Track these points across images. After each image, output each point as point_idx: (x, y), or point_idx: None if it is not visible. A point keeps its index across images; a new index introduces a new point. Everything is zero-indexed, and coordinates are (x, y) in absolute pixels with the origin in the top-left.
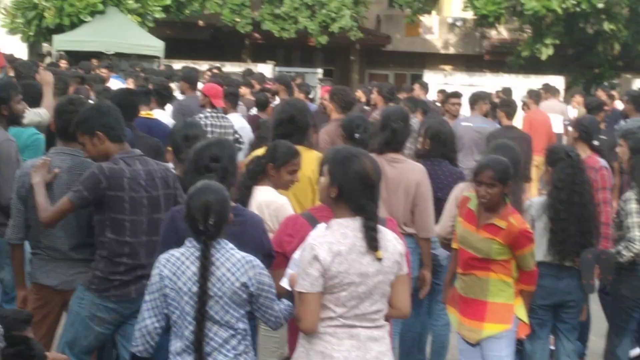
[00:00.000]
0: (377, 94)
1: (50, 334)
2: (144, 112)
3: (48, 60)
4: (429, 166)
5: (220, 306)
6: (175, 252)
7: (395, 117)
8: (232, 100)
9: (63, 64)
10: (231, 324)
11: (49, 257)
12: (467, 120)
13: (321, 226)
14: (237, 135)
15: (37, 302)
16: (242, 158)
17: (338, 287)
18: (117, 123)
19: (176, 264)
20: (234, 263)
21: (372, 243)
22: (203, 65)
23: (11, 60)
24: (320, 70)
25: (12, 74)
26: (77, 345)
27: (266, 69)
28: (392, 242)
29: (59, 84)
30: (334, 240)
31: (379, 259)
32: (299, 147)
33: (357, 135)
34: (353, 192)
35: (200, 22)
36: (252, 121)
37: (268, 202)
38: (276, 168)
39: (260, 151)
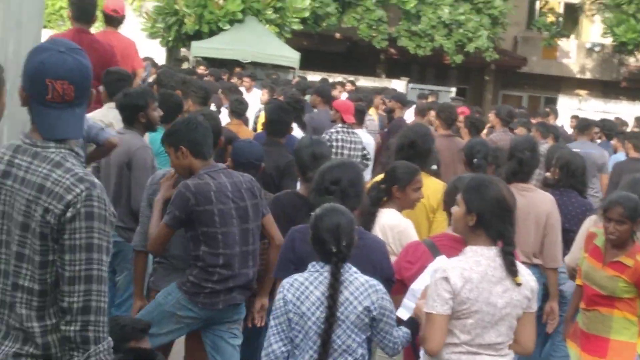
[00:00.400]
0: (494, 116)
1: (168, 344)
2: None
3: (185, 65)
4: (558, 196)
5: (343, 330)
6: (299, 277)
7: (522, 147)
8: (359, 116)
9: (201, 69)
10: (352, 349)
11: (172, 267)
12: (576, 146)
13: (441, 258)
14: (365, 152)
15: None
16: (369, 175)
17: (465, 314)
18: (203, 139)
19: (300, 289)
20: (358, 287)
21: (512, 268)
22: (337, 78)
23: (153, 65)
24: (453, 89)
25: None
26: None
27: (400, 85)
28: (524, 276)
29: (200, 92)
30: (467, 266)
31: (518, 284)
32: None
33: (475, 160)
34: (492, 219)
35: (337, 35)
36: (384, 138)
37: (392, 225)
38: (401, 189)
39: (379, 177)
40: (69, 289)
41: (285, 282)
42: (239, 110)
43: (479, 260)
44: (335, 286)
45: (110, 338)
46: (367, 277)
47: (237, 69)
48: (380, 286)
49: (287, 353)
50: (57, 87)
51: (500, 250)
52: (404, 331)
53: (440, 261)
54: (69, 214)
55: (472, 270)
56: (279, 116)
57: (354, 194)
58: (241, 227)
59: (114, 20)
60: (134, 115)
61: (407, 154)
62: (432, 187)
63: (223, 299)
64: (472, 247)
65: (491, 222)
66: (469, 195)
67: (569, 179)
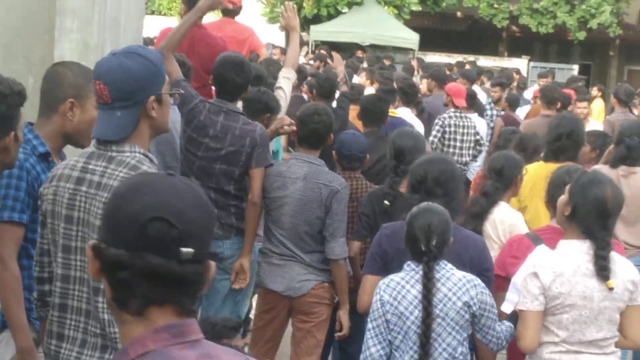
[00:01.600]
0: (613, 97)
1: (275, 339)
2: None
3: (304, 50)
4: None
5: (443, 328)
6: (395, 277)
7: (630, 133)
8: (470, 100)
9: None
10: (452, 347)
11: (279, 261)
12: None
13: (541, 247)
14: (478, 137)
15: (262, 307)
16: (481, 161)
17: (560, 309)
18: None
19: (396, 289)
20: (455, 282)
21: (603, 273)
22: (457, 58)
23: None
24: (576, 66)
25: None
26: None
27: (521, 63)
28: (623, 268)
29: (326, 85)
30: (558, 260)
31: (611, 289)
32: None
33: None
34: (586, 215)
35: (458, 14)
36: (508, 121)
37: (502, 218)
38: (522, 177)
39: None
40: None
41: (382, 283)
42: (355, 96)
43: (572, 254)
44: (428, 286)
45: None
46: (464, 273)
47: (358, 52)
48: (478, 281)
49: (386, 356)
50: (97, 87)
51: (591, 250)
52: (507, 325)
53: (540, 251)
54: None
55: (563, 264)
56: (374, 105)
57: (442, 192)
58: (205, 163)
59: (231, 11)
60: (259, 114)
61: (563, 144)
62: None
63: None
64: (565, 241)
65: (584, 218)
66: (574, 187)
67: None
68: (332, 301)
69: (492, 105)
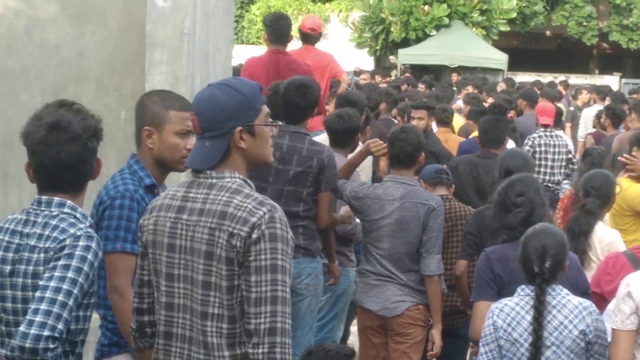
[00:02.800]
0: None
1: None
2: (476, 133)
3: (394, 73)
4: None
5: (557, 355)
6: (509, 302)
7: None
8: (557, 118)
9: (363, 78)
10: None
11: (375, 281)
12: None
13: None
14: (570, 155)
15: (360, 325)
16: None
17: None
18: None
19: (510, 314)
20: (571, 310)
21: None
22: (547, 77)
23: (357, 72)
24: None
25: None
26: None
27: (612, 80)
28: None
29: (388, 98)
30: None
31: None
32: None
33: None
34: None
35: (547, 33)
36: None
37: (600, 237)
38: (616, 193)
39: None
40: (255, 311)
41: (495, 307)
42: (444, 119)
43: None
44: (539, 308)
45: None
46: (580, 299)
47: (453, 75)
48: (593, 307)
49: None
50: (191, 118)
51: None
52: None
53: (633, 277)
54: (254, 236)
55: None
56: (494, 127)
57: (541, 204)
58: (274, 186)
59: (311, 38)
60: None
61: None
62: None
63: None
64: None
65: None
66: None
67: None
68: (427, 323)
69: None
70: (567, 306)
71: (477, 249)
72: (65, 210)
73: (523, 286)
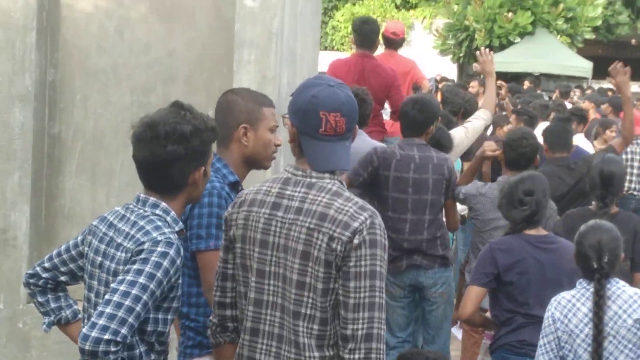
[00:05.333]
0: None
1: None
2: None
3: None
4: None
5: (614, 346)
6: (567, 295)
7: None
8: (582, 120)
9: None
10: None
11: None
12: None
13: None
14: None
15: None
16: None
17: None
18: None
19: (567, 306)
20: (626, 300)
21: None
22: (633, 86)
23: (440, 80)
24: None
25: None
26: (390, 323)
27: None
28: None
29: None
30: None
31: None
32: None
33: None
34: None
35: (633, 41)
36: None
37: None
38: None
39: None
40: (353, 316)
41: (553, 300)
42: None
43: None
44: (599, 303)
45: None
46: (635, 289)
47: (525, 82)
48: None
49: None
50: (331, 119)
51: None
52: None
53: None
54: (355, 241)
55: None
56: (563, 130)
57: (546, 204)
58: (415, 196)
59: (394, 42)
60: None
61: None
62: None
63: (406, 262)
64: None
65: None
66: None
67: None
68: None
69: None
70: (621, 297)
71: None
72: (157, 212)
73: (581, 280)
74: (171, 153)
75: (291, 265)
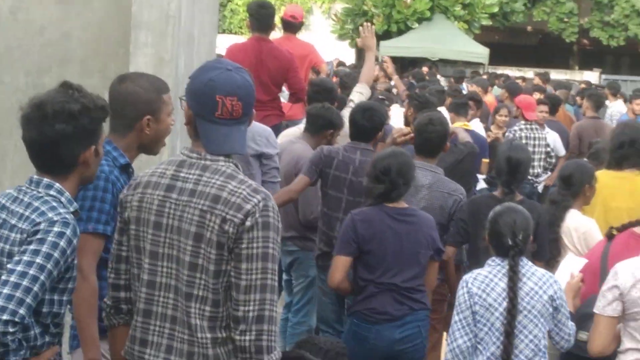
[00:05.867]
0: None
1: None
2: (460, 123)
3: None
4: None
5: (529, 320)
6: (482, 271)
7: None
8: (477, 105)
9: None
10: (538, 339)
11: None
12: None
13: (570, 255)
14: (548, 149)
15: None
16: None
17: None
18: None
19: (484, 282)
20: (540, 277)
21: None
22: (528, 72)
23: (338, 64)
24: None
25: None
26: (324, 318)
27: (593, 76)
28: None
29: (421, 100)
30: (639, 266)
31: None
32: (631, 172)
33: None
34: None
35: (528, 28)
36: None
37: (576, 226)
38: (591, 186)
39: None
40: (244, 298)
41: (468, 276)
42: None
43: None
44: (514, 279)
45: (279, 348)
46: (543, 270)
47: (424, 68)
48: (555, 278)
49: (472, 347)
50: (227, 103)
51: None
52: (571, 323)
53: (570, 259)
54: (248, 223)
55: None
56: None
57: (404, 182)
58: (350, 197)
59: (292, 26)
60: (322, 129)
61: (626, 152)
62: None
63: None
64: None
65: None
66: None
67: None
68: (447, 298)
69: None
70: (535, 274)
71: (467, 236)
72: (52, 192)
73: (493, 257)
74: (60, 132)
75: (184, 247)
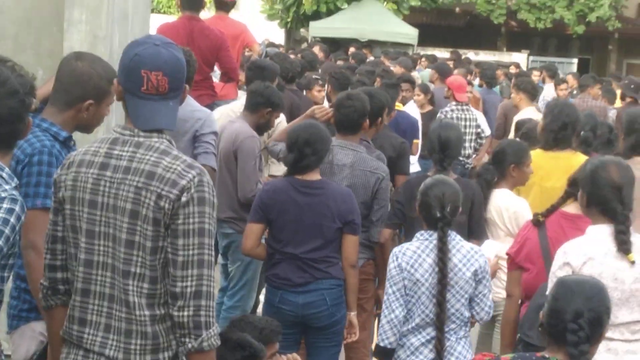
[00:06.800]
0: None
1: None
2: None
3: (304, 46)
4: None
5: (452, 295)
6: (410, 246)
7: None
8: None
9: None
10: (460, 312)
11: None
12: None
13: (489, 241)
14: (479, 130)
15: None
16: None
17: None
18: None
19: (413, 257)
20: (465, 254)
21: (623, 246)
22: (470, 53)
23: (269, 45)
24: (575, 60)
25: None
26: None
27: (521, 57)
28: None
29: (341, 78)
30: (588, 245)
31: (632, 262)
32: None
33: (582, 134)
34: (600, 198)
35: (457, 9)
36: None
37: (507, 205)
38: (519, 167)
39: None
40: (182, 274)
41: (397, 251)
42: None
43: (601, 238)
44: (443, 250)
45: (217, 324)
46: (471, 245)
47: (352, 48)
48: (482, 252)
49: (404, 318)
50: (152, 78)
51: (613, 229)
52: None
53: (488, 244)
54: (183, 199)
55: (593, 248)
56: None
57: (312, 153)
58: None
59: (225, 5)
60: (259, 107)
61: (566, 133)
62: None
63: None
64: (593, 226)
65: (599, 201)
66: (582, 176)
67: None
68: (373, 277)
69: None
70: (460, 251)
71: (404, 218)
72: None
73: (422, 231)
74: (27, 106)
75: (120, 225)
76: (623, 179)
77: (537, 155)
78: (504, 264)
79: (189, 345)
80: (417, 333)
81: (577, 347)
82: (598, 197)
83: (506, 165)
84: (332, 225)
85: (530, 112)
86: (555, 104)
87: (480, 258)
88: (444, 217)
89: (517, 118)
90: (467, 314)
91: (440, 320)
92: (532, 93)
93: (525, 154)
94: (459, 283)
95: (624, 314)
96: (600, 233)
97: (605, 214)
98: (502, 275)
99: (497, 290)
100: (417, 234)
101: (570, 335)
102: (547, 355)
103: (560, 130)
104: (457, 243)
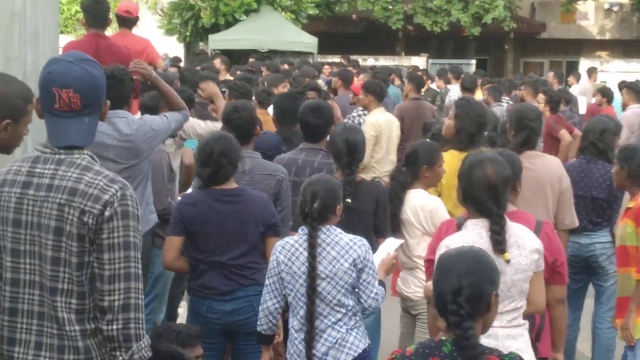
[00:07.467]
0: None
1: None
2: None
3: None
4: (584, 163)
5: (332, 286)
6: (290, 240)
7: (532, 117)
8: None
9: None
10: (342, 303)
11: None
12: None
13: (390, 239)
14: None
15: None
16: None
17: None
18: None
19: (290, 250)
20: (343, 246)
21: (497, 247)
22: (369, 60)
23: (175, 60)
24: (473, 61)
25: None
26: None
27: (420, 61)
28: (528, 239)
29: (241, 89)
30: (469, 239)
31: (507, 261)
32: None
33: (486, 133)
34: (474, 195)
35: (354, 16)
36: None
37: (422, 205)
38: (431, 167)
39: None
40: (109, 288)
41: (278, 244)
42: (264, 101)
43: (480, 232)
44: (312, 243)
45: (147, 335)
46: (351, 236)
47: (251, 59)
48: (364, 241)
49: (281, 309)
50: (63, 95)
51: (488, 228)
52: (381, 288)
53: (389, 241)
54: (107, 213)
55: (474, 242)
56: (289, 106)
57: (228, 163)
58: (294, 197)
59: (127, 21)
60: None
61: (481, 135)
62: None
63: None
64: (472, 221)
65: (474, 198)
66: (460, 172)
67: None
68: None
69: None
70: (339, 243)
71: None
72: None
73: (303, 227)
74: None
75: (45, 242)
76: (498, 179)
77: (452, 156)
78: (421, 262)
79: (120, 359)
80: (303, 326)
81: (460, 327)
82: (473, 196)
83: (419, 166)
84: (256, 231)
85: (379, 113)
86: (469, 104)
87: (360, 248)
88: (311, 213)
89: (368, 119)
90: (351, 303)
91: (310, 312)
92: (380, 94)
93: (436, 154)
94: (338, 274)
95: (505, 303)
96: (482, 227)
97: (478, 211)
98: (421, 274)
99: (416, 289)
100: (299, 229)
101: (451, 316)
102: (443, 338)
103: (477, 132)
104: (336, 236)
